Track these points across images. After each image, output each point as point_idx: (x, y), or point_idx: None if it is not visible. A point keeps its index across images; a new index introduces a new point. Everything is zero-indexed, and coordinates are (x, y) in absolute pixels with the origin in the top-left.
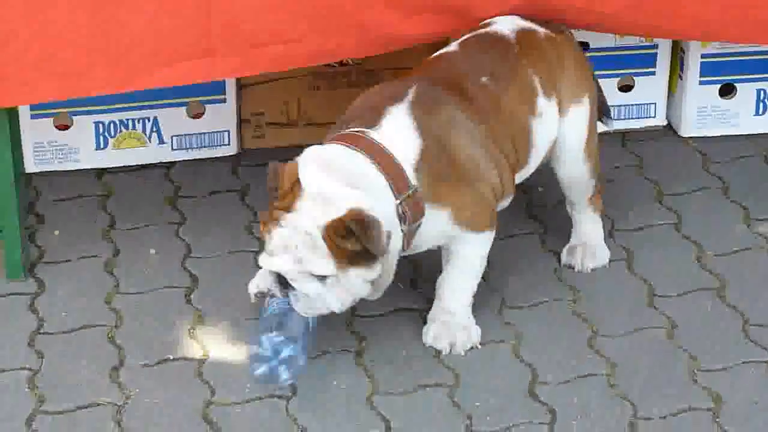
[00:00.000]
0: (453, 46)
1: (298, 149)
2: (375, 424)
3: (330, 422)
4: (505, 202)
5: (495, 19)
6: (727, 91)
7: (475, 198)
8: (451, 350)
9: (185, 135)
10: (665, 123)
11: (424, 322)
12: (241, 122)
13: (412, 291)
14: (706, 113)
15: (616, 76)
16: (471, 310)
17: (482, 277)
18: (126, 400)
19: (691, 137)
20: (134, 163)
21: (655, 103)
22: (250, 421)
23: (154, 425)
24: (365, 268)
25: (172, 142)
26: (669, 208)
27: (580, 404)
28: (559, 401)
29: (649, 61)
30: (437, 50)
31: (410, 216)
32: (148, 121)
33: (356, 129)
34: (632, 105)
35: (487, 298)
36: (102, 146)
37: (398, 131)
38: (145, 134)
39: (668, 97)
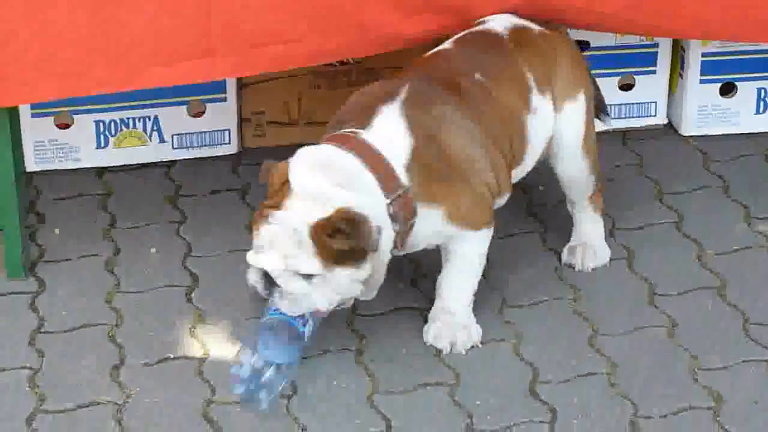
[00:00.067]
0: (446, 44)
1: (299, 148)
2: (375, 423)
3: (330, 421)
4: (502, 200)
5: (489, 17)
6: (727, 89)
7: (470, 196)
8: (451, 349)
9: (186, 134)
10: (666, 122)
11: (425, 321)
12: (241, 121)
13: (412, 290)
14: (707, 112)
15: (617, 74)
16: (471, 309)
17: (482, 276)
18: (126, 399)
19: (691, 136)
20: (135, 162)
21: (656, 102)
22: (251, 420)
23: (154, 424)
24: (353, 268)
25: (172, 141)
26: (669, 207)
27: (580, 403)
28: (559, 400)
29: (650, 59)
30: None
31: (401, 215)
32: (149, 120)
33: (348, 129)
34: (633, 104)
35: (488, 297)
36: (102, 145)
37: (390, 131)
38: (146, 133)
39: (669, 95)
